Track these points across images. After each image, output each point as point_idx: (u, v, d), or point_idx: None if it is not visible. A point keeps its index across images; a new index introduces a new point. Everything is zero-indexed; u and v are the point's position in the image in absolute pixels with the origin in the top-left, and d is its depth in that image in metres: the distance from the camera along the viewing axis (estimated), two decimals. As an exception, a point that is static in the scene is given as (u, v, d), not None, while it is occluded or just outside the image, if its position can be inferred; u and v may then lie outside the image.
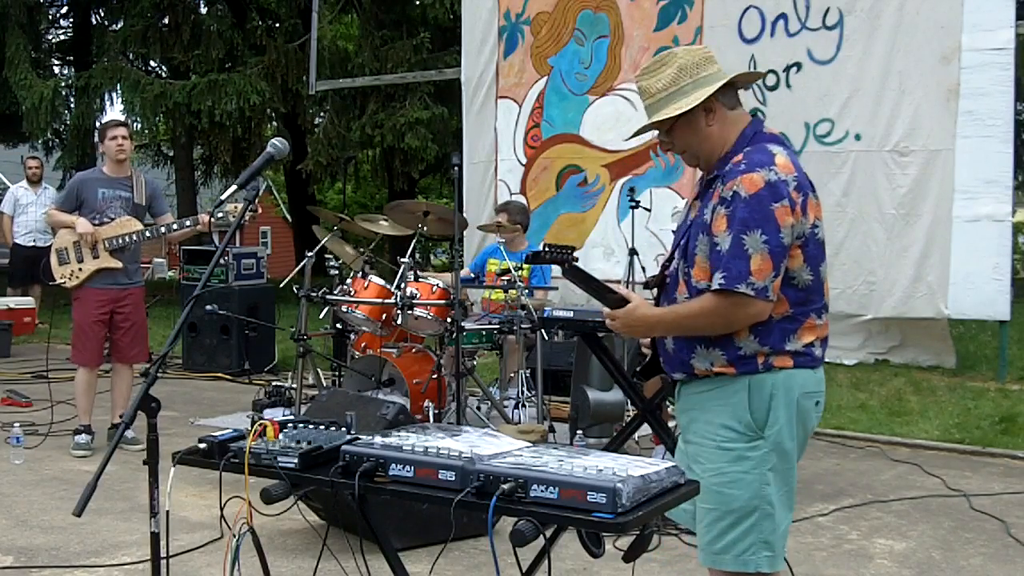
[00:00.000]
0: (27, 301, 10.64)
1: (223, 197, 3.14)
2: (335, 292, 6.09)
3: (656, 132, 2.69)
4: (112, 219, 5.79)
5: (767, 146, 2.53)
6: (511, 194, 9.62)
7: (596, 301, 2.82)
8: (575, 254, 2.76)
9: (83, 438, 5.83)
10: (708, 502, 2.54)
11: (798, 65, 8.33)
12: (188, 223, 5.80)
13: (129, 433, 5.84)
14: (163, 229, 5.82)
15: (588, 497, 2.13)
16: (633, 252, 7.62)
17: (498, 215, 6.93)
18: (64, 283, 5.82)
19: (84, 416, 5.91)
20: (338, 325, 6.62)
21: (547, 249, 2.68)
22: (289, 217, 20.82)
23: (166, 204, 6.31)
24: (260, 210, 4.80)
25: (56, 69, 18.61)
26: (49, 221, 6.12)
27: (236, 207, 4.35)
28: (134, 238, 5.78)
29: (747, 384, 2.51)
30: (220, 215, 5.21)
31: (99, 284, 5.81)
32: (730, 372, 2.52)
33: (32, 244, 10.82)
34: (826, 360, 2.63)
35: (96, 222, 5.78)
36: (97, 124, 16.12)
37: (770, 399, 2.50)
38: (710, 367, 2.55)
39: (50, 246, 5.96)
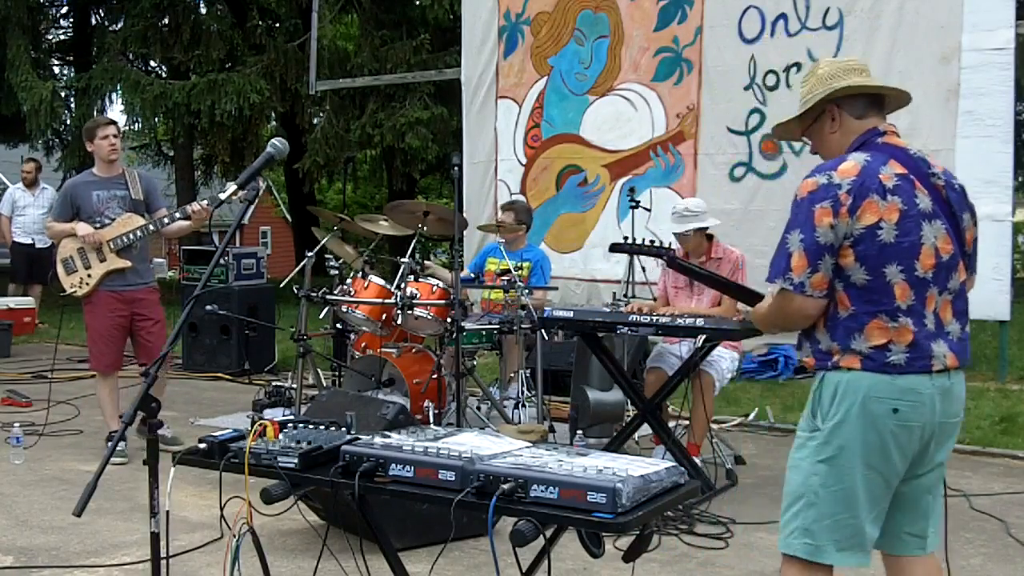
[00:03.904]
0: (27, 301, 10.66)
1: (223, 197, 3.14)
2: (335, 292, 6.09)
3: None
4: (112, 220, 5.65)
5: (848, 154, 2.68)
6: (511, 194, 9.61)
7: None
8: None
9: (118, 445, 5.71)
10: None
11: (798, 65, 8.32)
12: (190, 209, 5.58)
13: (168, 432, 5.80)
14: (166, 220, 5.65)
15: (588, 497, 2.14)
16: (633, 252, 7.60)
17: (504, 213, 6.92)
18: (75, 292, 5.66)
19: (112, 422, 5.73)
20: (338, 325, 6.62)
21: (630, 242, 2.98)
22: (289, 217, 20.83)
23: (162, 199, 6.09)
24: (263, 186, 4.78)
25: (56, 69, 18.60)
26: (49, 235, 5.95)
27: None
28: (138, 234, 5.63)
29: (821, 379, 2.66)
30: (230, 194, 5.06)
31: (111, 287, 5.67)
32: (812, 364, 2.69)
33: (30, 243, 10.84)
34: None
35: (97, 225, 5.64)
36: (98, 125, 16.10)
37: (834, 396, 2.60)
38: (804, 358, 2.73)
39: (50, 247, 5.88)
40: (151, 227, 5.67)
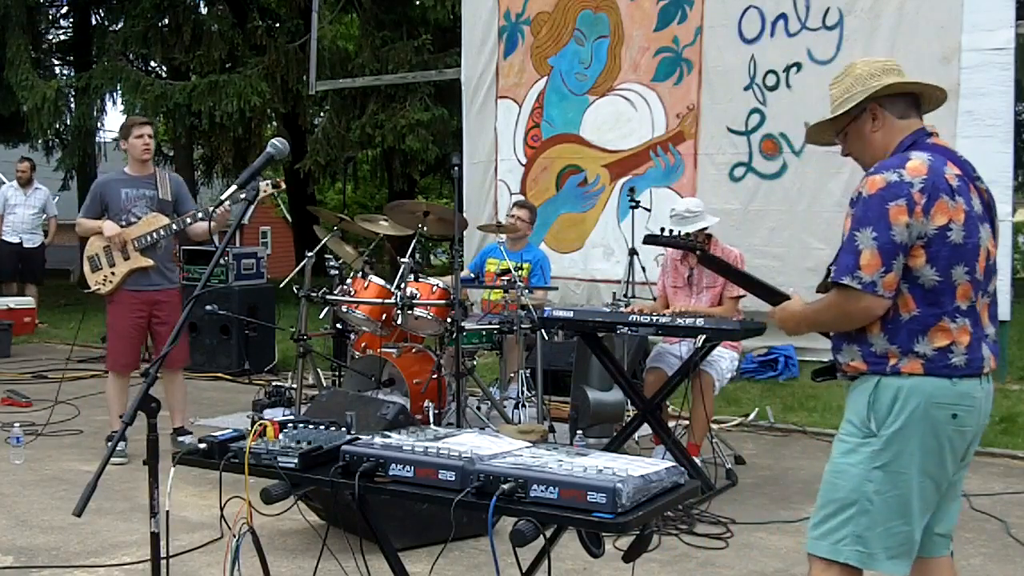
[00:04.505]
0: (27, 301, 10.67)
1: (223, 197, 3.15)
2: (335, 292, 6.09)
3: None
4: (139, 218, 5.67)
5: (911, 152, 2.61)
6: (511, 194, 9.62)
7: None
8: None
9: (118, 445, 5.67)
10: (821, 489, 2.66)
11: (798, 65, 8.33)
12: (213, 210, 5.53)
13: (190, 439, 5.79)
14: (188, 220, 5.65)
15: (588, 497, 2.14)
16: (633, 252, 7.61)
17: (519, 209, 6.91)
18: (99, 290, 5.69)
19: (116, 422, 5.71)
20: (338, 325, 6.61)
21: (666, 233, 2.94)
22: (289, 217, 20.83)
23: (192, 201, 6.07)
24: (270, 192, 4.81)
25: (56, 69, 18.61)
26: (78, 231, 5.98)
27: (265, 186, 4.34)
28: (162, 233, 5.65)
29: (876, 383, 2.59)
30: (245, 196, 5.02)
31: (133, 286, 5.68)
32: (863, 369, 2.62)
33: (18, 242, 10.85)
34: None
35: (123, 223, 5.66)
36: (98, 125, 16.13)
37: (893, 402, 2.55)
38: (850, 362, 2.66)
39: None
40: (174, 226, 5.68)
